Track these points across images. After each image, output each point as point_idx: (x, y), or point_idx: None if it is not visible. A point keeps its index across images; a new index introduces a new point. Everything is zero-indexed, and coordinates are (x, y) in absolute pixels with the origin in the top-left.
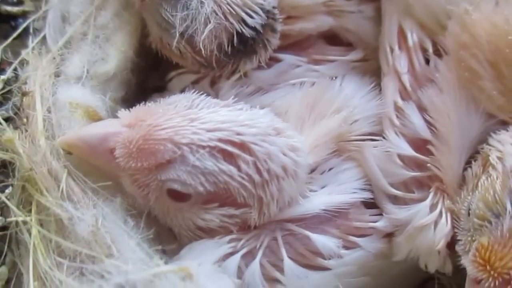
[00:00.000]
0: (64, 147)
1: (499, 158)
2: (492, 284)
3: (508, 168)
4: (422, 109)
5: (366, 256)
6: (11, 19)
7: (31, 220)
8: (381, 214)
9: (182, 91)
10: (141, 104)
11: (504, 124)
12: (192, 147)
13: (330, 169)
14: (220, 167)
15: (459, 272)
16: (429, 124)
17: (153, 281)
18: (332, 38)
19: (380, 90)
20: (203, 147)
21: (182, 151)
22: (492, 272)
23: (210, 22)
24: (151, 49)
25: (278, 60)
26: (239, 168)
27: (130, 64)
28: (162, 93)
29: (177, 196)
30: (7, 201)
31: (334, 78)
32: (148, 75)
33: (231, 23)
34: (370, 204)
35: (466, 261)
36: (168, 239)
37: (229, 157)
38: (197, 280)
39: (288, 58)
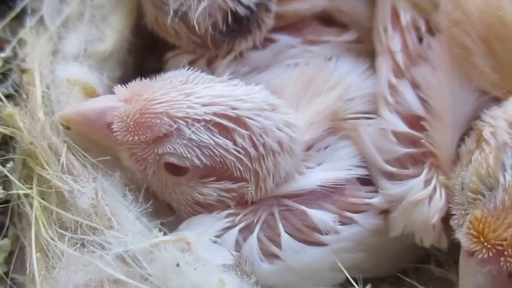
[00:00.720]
0: (62, 122)
1: (492, 133)
2: (485, 255)
3: (500, 142)
4: (415, 87)
5: (362, 232)
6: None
7: (32, 192)
8: (376, 191)
9: None
10: (137, 80)
11: (497, 101)
12: (188, 120)
13: (326, 147)
14: (215, 141)
15: (455, 248)
16: (422, 101)
17: (153, 252)
18: (327, 20)
19: (374, 71)
20: (199, 121)
21: (178, 125)
22: (485, 244)
23: None
24: (147, 30)
25: (273, 41)
26: (234, 142)
27: (126, 44)
28: (160, 75)
29: (175, 169)
30: (9, 175)
31: (329, 59)
32: (147, 57)
33: (225, 1)
34: (365, 181)
35: (460, 235)
36: (166, 214)
37: (224, 131)
38: (195, 251)
39: (283, 38)
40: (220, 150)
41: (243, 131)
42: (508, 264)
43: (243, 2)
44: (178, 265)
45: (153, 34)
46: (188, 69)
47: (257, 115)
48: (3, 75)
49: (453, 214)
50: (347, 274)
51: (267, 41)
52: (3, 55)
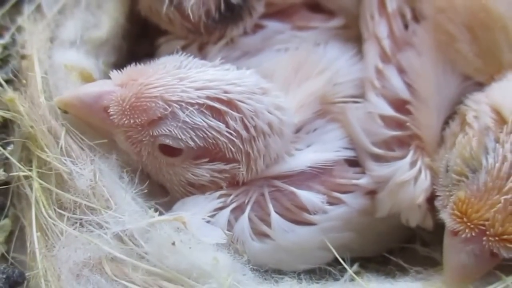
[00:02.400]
0: (61, 106)
1: (475, 117)
2: (469, 235)
3: (483, 126)
4: (401, 72)
5: (350, 212)
6: None
7: (32, 174)
8: (363, 172)
9: None
10: (132, 65)
11: (480, 86)
12: (182, 104)
13: (315, 129)
14: (208, 123)
15: (440, 228)
16: (408, 85)
17: (149, 231)
18: (314, 7)
19: (362, 56)
20: (192, 104)
21: (172, 108)
22: (468, 224)
23: None
24: (140, 16)
25: (262, 27)
26: (227, 124)
27: (121, 30)
28: (153, 59)
29: (169, 151)
30: (10, 156)
31: (317, 44)
32: (139, 42)
33: None
34: (353, 163)
35: (444, 215)
36: (160, 195)
37: (217, 114)
38: (190, 230)
39: (272, 25)
40: (213, 132)
41: (235, 113)
42: (490, 243)
43: None
44: (173, 243)
45: (145, 20)
46: (181, 54)
47: (248, 99)
48: (2, 61)
49: (438, 196)
50: (336, 253)
51: (257, 27)
52: (2, 41)
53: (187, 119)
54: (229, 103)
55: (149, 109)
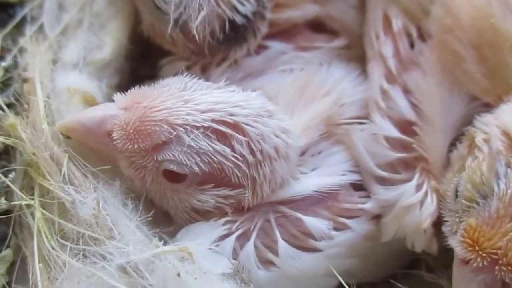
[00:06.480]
0: (63, 131)
1: (485, 140)
2: (480, 264)
3: (494, 150)
4: (407, 92)
5: (355, 237)
6: (9, 8)
7: (34, 203)
8: (369, 196)
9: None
10: (135, 88)
11: (487, 107)
12: (187, 127)
13: (320, 152)
14: (214, 147)
15: (445, 253)
16: (413, 106)
17: (154, 262)
18: (317, 26)
19: (365, 76)
20: (197, 128)
21: (177, 132)
22: (480, 252)
23: (203, 9)
24: (143, 36)
25: (266, 48)
26: (233, 148)
27: (124, 51)
28: (155, 81)
29: (173, 176)
30: (11, 185)
31: (320, 65)
32: (141, 63)
33: (223, 10)
34: (358, 186)
35: (453, 242)
36: (165, 222)
37: (223, 138)
38: (195, 260)
39: (275, 45)
40: (218, 156)
41: (241, 137)
42: (502, 273)
43: (240, 11)
44: (178, 274)
45: (148, 40)
46: (186, 75)
47: (254, 121)
48: (4, 84)
49: (446, 221)
50: (341, 279)
51: (260, 48)
52: (4, 64)
53: (192, 144)
54: (235, 126)
55: (154, 133)
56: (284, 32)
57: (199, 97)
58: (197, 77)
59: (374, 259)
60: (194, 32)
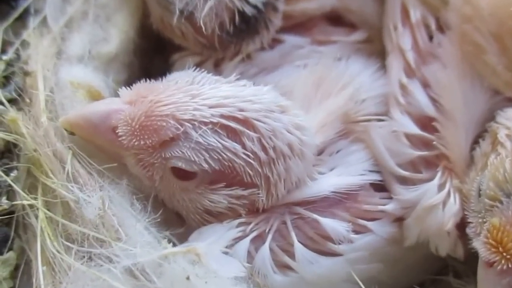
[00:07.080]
0: (66, 127)
1: (508, 136)
2: (505, 266)
3: None
4: (426, 86)
5: (377, 241)
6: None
7: (37, 203)
8: (390, 197)
9: None
10: (141, 82)
11: (511, 101)
12: (194, 123)
13: (338, 151)
14: (223, 144)
15: (473, 258)
16: (433, 100)
17: (162, 265)
18: (335, 20)
19: (385, 71)
20: (206, 124)
21: (184, 128)
22: (504, 254)
23: None
24: (153, 31)
25: (281, 41)
26: (243, 145)
27: (132, 45)
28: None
29: (182, 174)
30: (13, 184)
31: (338, 59)
32: (153, 60)
33: (232, 1)
34: (379, 187)
35: (478, 244)
36: (176, 224)
37: (233, 134)
38: (206, 263)
39: (291, 39)
40: (228, 153)
41: (251, 133)
42: None
43: (250, 2)
44: (188, 278)
45: (159, 35)
46: (194, 69)
47: (266, 117)
48: (5, 78)
49: (470, 222)
50: (363, 287)
51: (275, 42)
52: (5, 57)
53: (200, 140)
54: (245, 122)
55: (160, 129)
56: (300, 26)
57: (207, 91)
58: (210, 73)
59: (399, 265)
60: (201, 23)
